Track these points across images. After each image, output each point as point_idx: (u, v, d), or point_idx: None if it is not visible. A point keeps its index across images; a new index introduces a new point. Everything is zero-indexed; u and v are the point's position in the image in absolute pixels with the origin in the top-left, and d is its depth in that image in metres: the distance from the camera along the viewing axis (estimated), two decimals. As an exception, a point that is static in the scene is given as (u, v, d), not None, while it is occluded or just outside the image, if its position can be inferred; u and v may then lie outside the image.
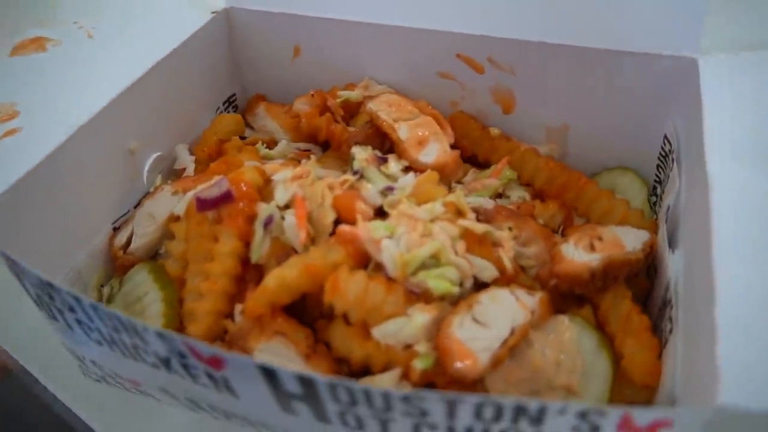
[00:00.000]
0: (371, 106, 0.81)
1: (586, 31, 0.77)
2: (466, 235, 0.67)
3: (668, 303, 0.61)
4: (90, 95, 0.74)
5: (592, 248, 0.68)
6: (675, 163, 0.73)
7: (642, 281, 0.72)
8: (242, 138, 0.91)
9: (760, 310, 0.45)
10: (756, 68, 0.69)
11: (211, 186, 0.69)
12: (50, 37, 0.89)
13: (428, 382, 0.60)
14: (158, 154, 0.83)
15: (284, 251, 0.68)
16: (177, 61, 0.83)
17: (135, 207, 0.80)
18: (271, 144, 0.90)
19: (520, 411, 0.42)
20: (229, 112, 0.98)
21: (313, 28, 0.90)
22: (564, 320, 0.63)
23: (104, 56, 0.82)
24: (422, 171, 0.75)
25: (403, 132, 0.78)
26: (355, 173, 0.73)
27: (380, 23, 0.86)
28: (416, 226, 0.66)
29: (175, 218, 0.75)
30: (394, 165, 0.75)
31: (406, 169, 0.76)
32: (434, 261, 0.64)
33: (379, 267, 0.64)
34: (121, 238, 0.76)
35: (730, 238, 0.51)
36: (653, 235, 0.71)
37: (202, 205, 0.68)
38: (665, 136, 0.79)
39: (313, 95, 0.86)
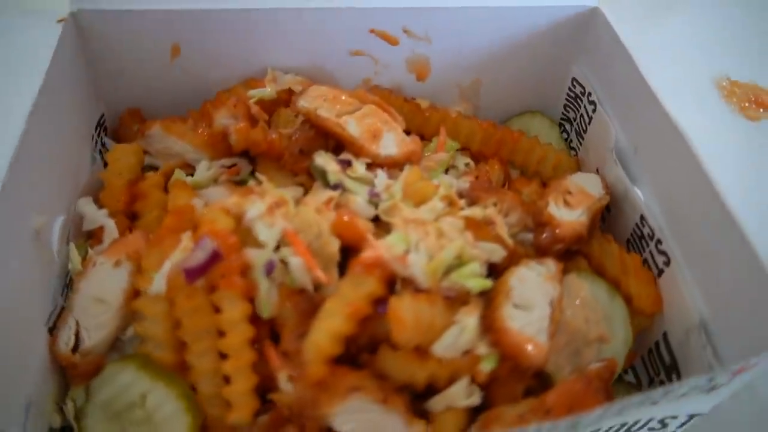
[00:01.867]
0: (303, 103, 0.73)
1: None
2: (469, 223, 0.67)
3: (649, 236, 0.70)
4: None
5: (567, 204, 0.73)
6: (598, 105, 0.80)
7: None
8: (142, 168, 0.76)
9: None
10: (657, 10, 0.77)
11: (193, 252, 0.57)
12: None
13: (491, 377, 0.62)
14: (61, 218, 0.65)
15: (300, 297, 0.61)
16: (45, 100, 0.64)
17: (62, 295, 0.63)
18: (184, 168, 0.76)
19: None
20: (102, 138, 0.80)
21: (192, 22, 0.76)
22: (575, 278, 0.68)
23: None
24: (389, 165, 0.72)
25: (352, 127, 0.72)
26: (335, 188, 0.67)
27: (278, 7, 0.76)
28: (427, 229, 0.64)
29: (133, 295, 0.61)
30: (359, 167, 0.70)
31: (369, 166, 0.72)
32: (457, 260, 0.63)
33: (407, 281, 0.62)
34: (67, 339, 0.60)
35: (724, 171, 0.59)
36: (598, 174, 0.79)
37: (192, 274, 0.57)
38: (574, 79, 0.85)
39: (235, 105, 0.73)
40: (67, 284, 0.65)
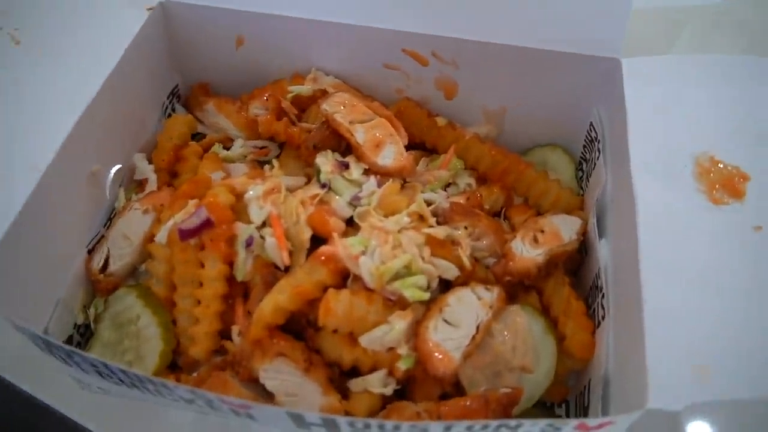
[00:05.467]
0: (326, 107, 0.84)
1: (521, 32, 0.83)
2: (430, 240, 0.75)
3: (600, 289, 0.74)
4: (45, 122, 0.73)
5: (535, 241, 0.79)
6: (601, 154, 0.84)
7: (575, 255, 0.84)
8: (194, 135, 0.93)
9: (682, 324, 0.58)
10: (674, 71, 0.78)
11: (190, 216, 0.72)
12: (-34, 42, 0.83)
13: (409, 376, 0.71)
14: (118, 167, 0.84)
15: (267, 269, 0.74)
16: (124, 69, 0.81)
17: (105, 226, 0.82)
18: (227, 142, 0.92)
19: (502, 426, 0.54)
20: (173, 104, 0.97)
21: (255, 22, 0.89)
22: (517, 310, 0.75)
23: (44, 70, 0.79)
24: (382, 173, 0.81)
25: (360, 135, 0.82)
26: (323, 186, 0.78)
27: (326, 20, 0.87)
28: (387, 238, 0.73)
29: (151, 238, 0.78)
30: (355, 170, 0.81)
31: (366, 172, 0.82)
32: (406, 270, 0.73)
33: (358, 278, 0.72)
34: (98, 261, 0.78)
35: (654, 254, 0.63)
36: (583, 218, 0.83)
37: (185, 235, 0.72)
38: (591, 124, 0.89)
39: (267, 99, 0.87)
40: (110, 219, 0.83)
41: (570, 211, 0.87)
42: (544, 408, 0.79)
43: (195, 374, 0.73)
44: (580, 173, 0.95)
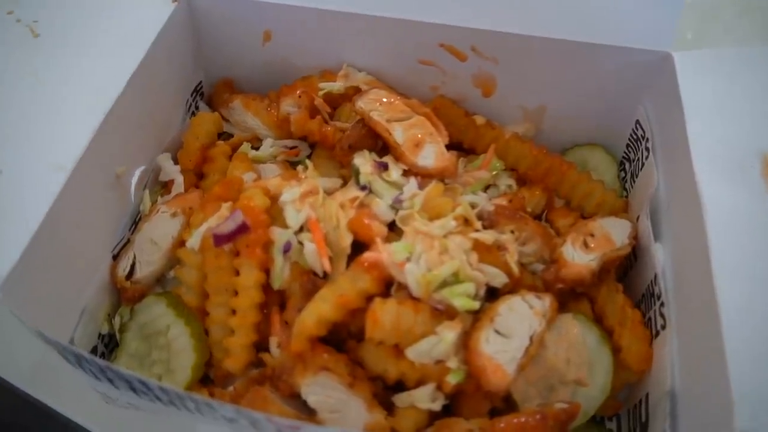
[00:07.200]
0: (361, 104, 0.80)
1: (566, 25, 0.79)
2: (477, 245, 0.71)
3: (657, 296, 0.70)
4: (68, 120, 0.69)
5: (586, 246, 0.74)
6: (651, 153, 0.79)
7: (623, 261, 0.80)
8: (221, 133, 0.88)
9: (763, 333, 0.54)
10: (731, 66, 0.74)
11: (225, 220, 0.68)
12: (-17, 34, 0.79)
13: (457, 390, 0.67)
14: (142, 168, 0.79)
15: (306, 276, 0.69)
16: (150, 64, 0.77)
17: (130, 230, 0.77)
18: (254, 141, 0.87)
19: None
20: (197, 102, 0.93)
21: (284, 15, 0.85)
22: (569, 319, 0.71)
23: (65, 64, 0.74)
24: (422, 174, 0.77)
25: (398, 134, 0.78)
26: (362, 188, 0.74)
27: (358, 13, 0.83)
28: (433, 243, 0.69)
29: (180, 243, 0.74)
30: (394, 171, 0.77)
31: (405, 173, 0.78)
32: (454, 278, 0.68)
33: (402, 286, 0.68)
34: (124, 267, 0.74)
35: (728, 259, 0.58)
36: (633, 223, 0.79)
37: (220, 240, 0.68)
38: (637, 122, 0.84)
39: (300, 96, 0.83)
40: (136, 223, 0.78)
41: (615, 214, 0.83)
42: (593, 422, 0.75)
43: (231, 389, 0.68)
44: (622, 173, 0.91)
